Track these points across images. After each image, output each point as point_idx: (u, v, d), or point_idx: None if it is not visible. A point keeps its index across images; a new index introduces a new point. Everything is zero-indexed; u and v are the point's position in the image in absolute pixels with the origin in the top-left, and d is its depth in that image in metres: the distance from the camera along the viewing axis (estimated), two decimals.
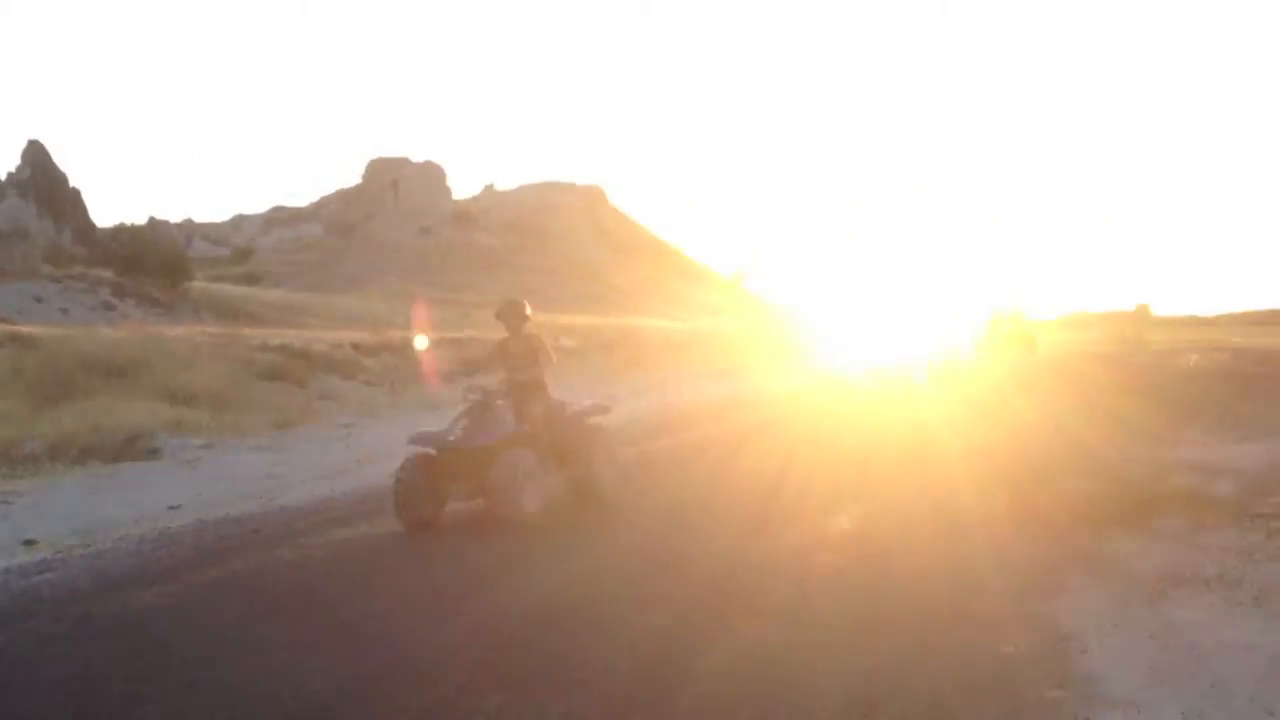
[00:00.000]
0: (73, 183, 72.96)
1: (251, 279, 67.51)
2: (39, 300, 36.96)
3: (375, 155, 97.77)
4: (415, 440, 8.47)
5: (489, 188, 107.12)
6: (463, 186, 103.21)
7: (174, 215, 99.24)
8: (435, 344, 27.83)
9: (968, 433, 11.22)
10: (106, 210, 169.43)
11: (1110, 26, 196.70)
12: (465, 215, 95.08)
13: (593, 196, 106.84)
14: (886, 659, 4.35)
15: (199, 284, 47.97)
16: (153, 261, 43.98)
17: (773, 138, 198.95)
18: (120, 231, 62.91)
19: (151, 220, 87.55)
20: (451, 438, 8.26)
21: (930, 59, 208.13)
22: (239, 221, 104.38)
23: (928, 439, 10.95)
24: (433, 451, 8.34)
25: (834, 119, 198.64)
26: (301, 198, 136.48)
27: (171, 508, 9.97)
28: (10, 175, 71.02)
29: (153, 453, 13.53)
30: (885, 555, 6.06)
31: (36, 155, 71.86)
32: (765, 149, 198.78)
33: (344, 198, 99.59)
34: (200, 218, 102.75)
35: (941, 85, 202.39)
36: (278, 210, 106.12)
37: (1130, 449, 10.16)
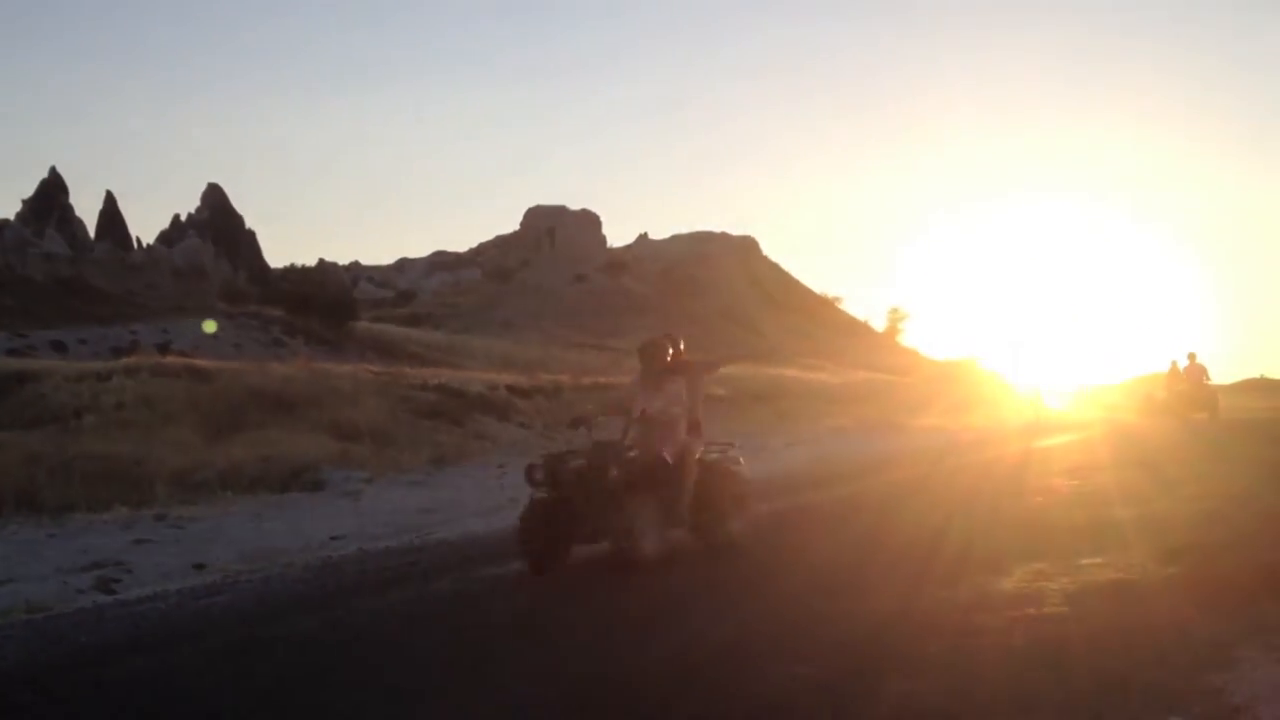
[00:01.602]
0: (249, 224, 76.66)
1: (413, 320, 69.48)
2: (214, 336, 38.71)
3: (533, 203, 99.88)
4: (529, 474, 8.13)
5: (643, 236, 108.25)
6: (617, 235, 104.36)
7: (342, 258, 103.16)
8: (588, 389, 28.08)
9: (1145, 496, 10.68)
10: (279, 252, 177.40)
11: None
12: (619, 263, 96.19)
13: (746, 246, 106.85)
14: None
15: (364, 324, 49.57)
16: (321, 301, 45.72)
17: (929, 198, 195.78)
18: (291, 272, 65.81)
19: (321, 262, 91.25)
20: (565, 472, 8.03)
21: (1094, 109, 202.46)
22: (402, 265, 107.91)
23: (1101, 502, 10.47)
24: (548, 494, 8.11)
25: (990, 176, 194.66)
26: (462, 243, 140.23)
27: (334, 538, 10.24)
28: (190, 216, 74.99)
29: (317, 484, 13.95)
30: (1052, 619, 5.77)
31: (215, 198, 75.76)
32: (925, 208, 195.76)
33: (502, 244, 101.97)
34: (366, 260, 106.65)
35: (1109, 130, 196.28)
36: (439, 255, 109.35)
37: None
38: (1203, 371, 30.45)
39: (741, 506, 8.82)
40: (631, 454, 8.14)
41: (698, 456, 8.57)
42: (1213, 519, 8.97)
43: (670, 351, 8.88)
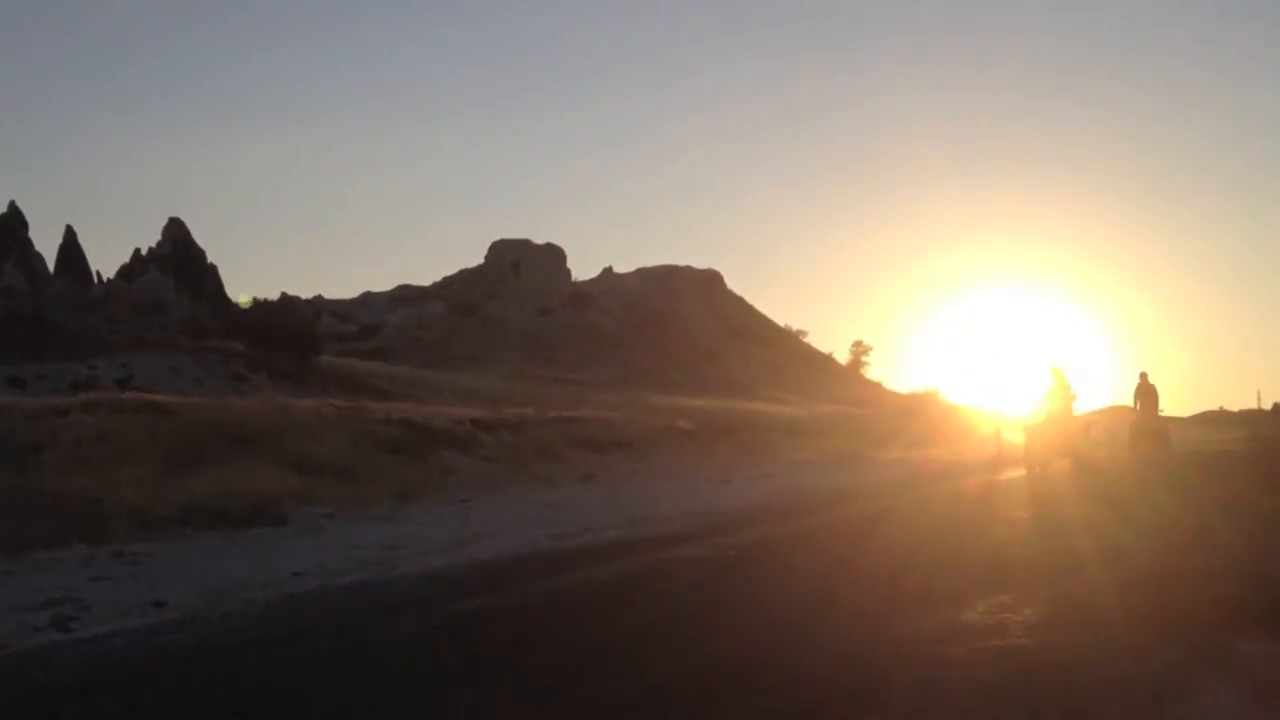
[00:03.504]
0: (210, 259, 76.11)
1: (377, 354, 69.14)
2: (174, 370, 38.34)
3: (498, 236, 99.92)
4: None
5: (607, 270, 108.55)
6: (582, 269, 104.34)
7: (305, 292, 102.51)
8: (553, 423, 28.06)
9: (1105, 529, 10.78)
10: (241, 285, 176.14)
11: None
12: (584, 296, 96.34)
13: (710, 280, 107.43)
14: None
15: (327, 358, 49.28)
16: (284, 335, 45.42)
17: (894, 232, 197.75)
18: (253, 306, 65.30)
19: (283, 296, 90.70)
20: None
21: (1044, 144, 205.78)
22: (366, 298, 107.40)
23: (1060, 532, 10.56)
24: None
25: (953, 211, 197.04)
26: (426, 277, 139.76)
27: (296, 574, 10.12)
28: (151, 250, 74.32)
29: (279, 519, 13.82)
30: (1017, 651, 5.81)
31: (176, 232, 75.10)
32: (883, 238, 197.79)
33: (466, 277, 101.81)
34: (330, 294, 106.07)
35: (1058, 176, 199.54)
36: (403, 288, 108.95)
37: (1276, 549, 9.64)
38: (1153, 395, 28.60)
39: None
40: None
41: None
42: (1171, 550, 9.07)
43: None
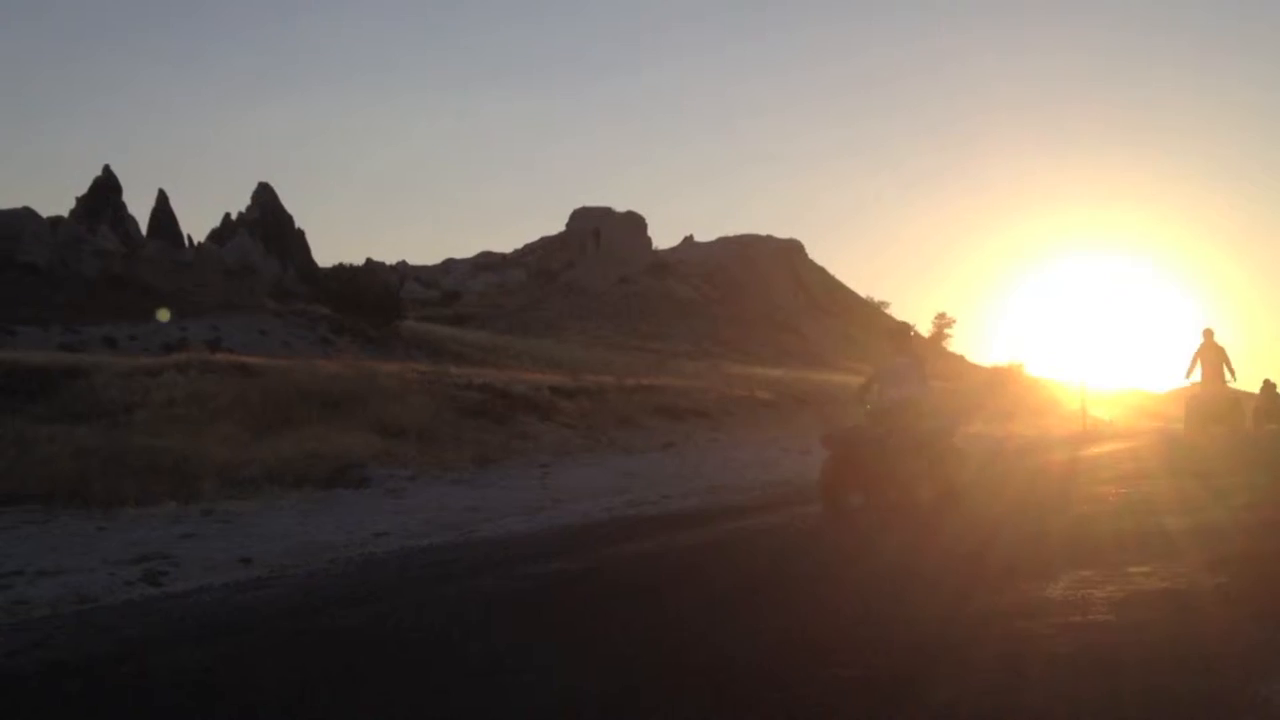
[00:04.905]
0: (298, 224, 77.43)
1: (458, 320, 69.80)
2: (263, 333, 39.15)
3: (579, 205, 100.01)
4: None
5: (688, 239, 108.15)
6: (662, 237, 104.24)
7: (389, 258, 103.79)
8: (631, 390, 28.11)
9: (1195, 505, 10.51)
10: (328, 251, 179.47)
11: None
12: (664, 265, 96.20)
13: (791, 250, 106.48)
14: None
15: (410, 323, 49.92)
16: (368, 300, 46.13)
17: (972, 195, 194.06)
18: (339, 271, 66.33)
19: (368, 261, 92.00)
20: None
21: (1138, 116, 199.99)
22: (448, 265, 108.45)
23: (1149, 511, 10.31)
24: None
25: (1036, 181, 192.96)
26: (508, 244, 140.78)
27: (378, 534, 10.31)
28: (241, 215, 75.86)
29: (362, 481, 14.07)
30: (1099, 627, 5.68)
31: (265, 197, 76.57)
32: (966, 206, 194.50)
33: (548, 245, 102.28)
34: (413, 260, 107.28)
35: (1160, 148, 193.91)
36: (485, 255, 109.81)
37: None
38: (1221, 357, 22.50)
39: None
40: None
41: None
42: (1265, 528, 8.82)
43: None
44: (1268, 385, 28.41)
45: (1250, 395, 28.38)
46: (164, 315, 37.43)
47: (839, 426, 12.38)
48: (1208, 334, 22.83)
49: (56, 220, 55.63)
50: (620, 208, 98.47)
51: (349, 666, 5.42)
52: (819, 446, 11.18)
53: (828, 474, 10.65)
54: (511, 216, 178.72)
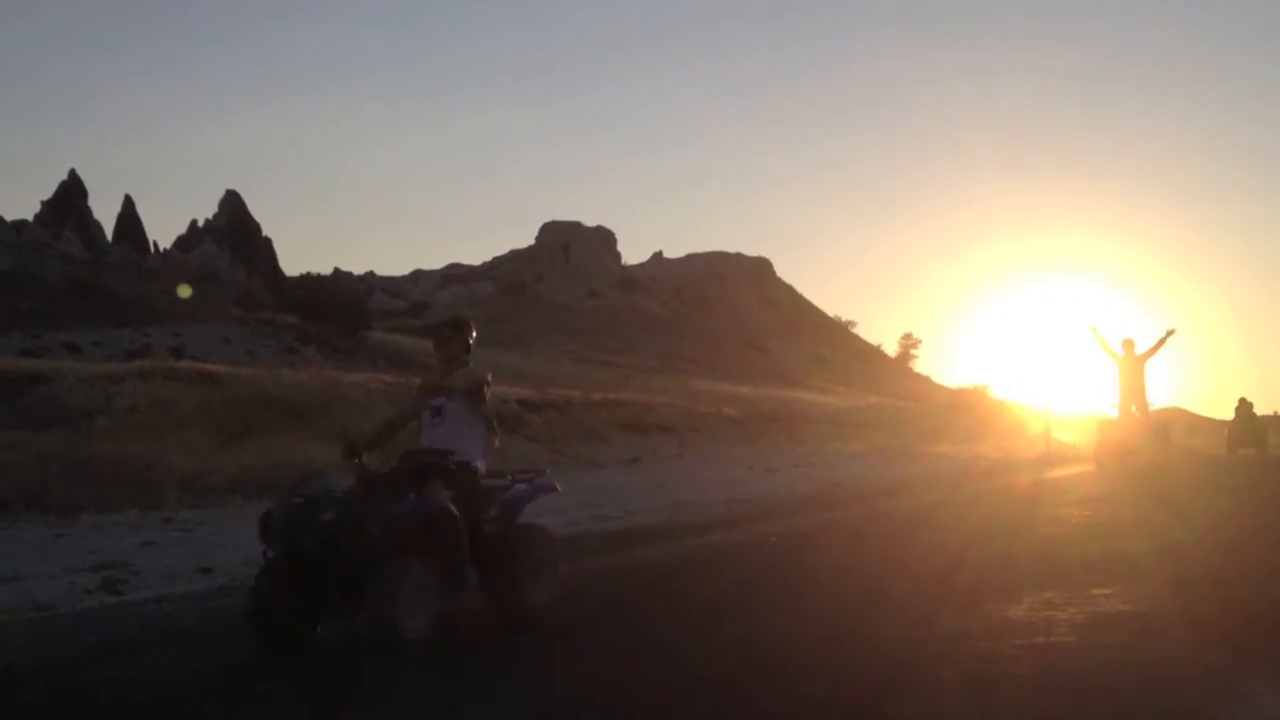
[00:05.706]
0: (266, 232, 77.03)
1: (426, 331, 69.30)
2: (228, 341, 38.84)
3: (549, 218, 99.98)
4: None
5: (657, 255, 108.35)
6: (632, 253, 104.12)
7: (357, 268, 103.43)
8: (596, 405, 28.06)
9: (1158, 528, 10.60)
10: (295, 260, 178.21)
11: None
12: (632, 281, 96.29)
13: (760, 268, 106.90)
14: None
15: (377, 333, 49.66)
16: (335, 310, 45.87)
17: (939, 216, 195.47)
18: (306, 280, 66.03)
19: (336, 271, 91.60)
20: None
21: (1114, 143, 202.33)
22: (417, 276, 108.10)
23: (1113, 533, 10.39)
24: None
25: (1006, 203, 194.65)
26: (476, 256, 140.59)
27: None
28: (208, 222, 75.42)
29: None
30: (1062, 649, 5.71)
31: (233, 204, 76.19)
32: (933, 228, 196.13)
33: (516, 258, 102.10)
34: (382, 271, 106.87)
35: (1132, 170, 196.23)
36: (454, 267, 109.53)
37: None
38: (1139, 374, 20.45)
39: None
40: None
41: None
42: (1225, 551, 8.91)
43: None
44: (1244, 404, 28.80)
45: (1183, 414, 29.16)
46: (185, 291, 37.20)
47: (289, 501, 6.26)
48: (1127, 346, 20.36)
49: (20, 224, 55.03)
50: (590, 222, 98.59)
51: (305, 678, 5.37)
52: (782, 467, 11.03)
53: (264, 586, 5.87)
54: (481, 229, 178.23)
